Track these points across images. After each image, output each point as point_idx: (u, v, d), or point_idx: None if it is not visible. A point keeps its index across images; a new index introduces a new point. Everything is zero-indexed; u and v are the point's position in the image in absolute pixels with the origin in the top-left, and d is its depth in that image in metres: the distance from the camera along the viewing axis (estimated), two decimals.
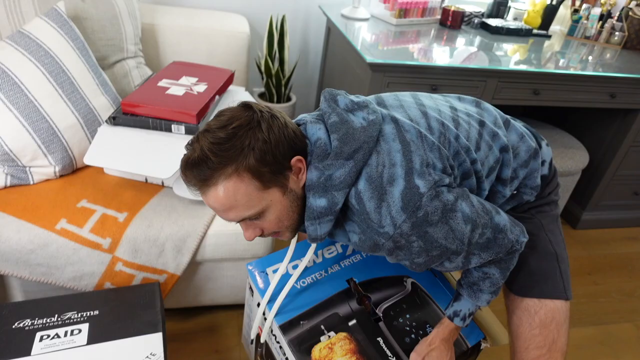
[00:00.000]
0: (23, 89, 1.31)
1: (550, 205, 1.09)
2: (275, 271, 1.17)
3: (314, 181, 0.80)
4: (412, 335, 1.06)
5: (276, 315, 1.06)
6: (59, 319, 1.07)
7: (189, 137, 1.35)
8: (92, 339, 1.02)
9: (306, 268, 1.18)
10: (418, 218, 0.79)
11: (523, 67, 1.76)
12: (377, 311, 1.10)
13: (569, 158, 2.00)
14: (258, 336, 1.20)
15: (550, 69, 1.79)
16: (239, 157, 0.74)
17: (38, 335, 1.02)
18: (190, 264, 1.36)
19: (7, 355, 0.96)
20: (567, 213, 2.36)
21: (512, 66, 1.75)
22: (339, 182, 0.79)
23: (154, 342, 1.02)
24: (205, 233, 1.34)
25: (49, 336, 1.02)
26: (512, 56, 1.87)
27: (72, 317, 1.08)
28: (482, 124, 0.96)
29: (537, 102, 1.87)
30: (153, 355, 0.98)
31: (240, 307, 1.60)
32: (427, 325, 1.09)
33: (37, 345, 0.99)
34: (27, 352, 0.97)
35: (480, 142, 0.94)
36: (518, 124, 1.05)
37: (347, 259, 1.22)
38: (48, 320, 1.06)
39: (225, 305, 1.56)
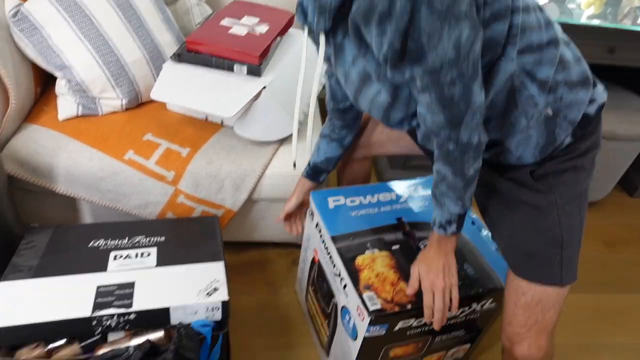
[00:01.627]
0: (94, 22, 1.34)
1: (577, 172, 0.91)
2: (336, 201, 1.24)
3: None
4: None
5: (329, 230, 1.15)
6: (130, 241, 1.16)
7: (251, 78, 1.37)
8: (161, 262, 1.10)
9: (361, 204, 1.25)
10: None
11: (597, 22, 1.66)
12: (419, 245, 1.15)
13: (637, 123, 1.90)
14: (313, 261, 1.28)
15: (627, 25, 1.68)
16: None
17: (112, 254, 1.11)
18: (246, 202, 1.41)
19: (86, 270, 1.05)
20: (625, 179, 2.28)
21: (584, 20, 1.65)
22: None
23: (216, 269, 1.09)
24: (263, 173, 1.38)
25: (121, 256, 1.11)
26: (585, 10, 1.75)
27: (141, 241, 1.16)
28: (540, 8, 0.82)
29: (610, 61, 1.77)
30: (217, 281, 1.05)
31: (289, 245, 1.66)
32: (465, 263, 1.12)
33: (112, 263, 1.08)
34: (104, 268, 1.06)
35: (530, 12, 0.79)
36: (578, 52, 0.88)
37: (400, 204, 1.27)
38: (119, 242, 1.15)
39: (276, 242, 1.63)
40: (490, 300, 1.12)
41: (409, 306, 1.01)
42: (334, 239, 1.12)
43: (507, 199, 0.97)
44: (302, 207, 1.33)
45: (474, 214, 1.27)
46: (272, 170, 1.39)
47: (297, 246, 1.64)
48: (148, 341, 0.89)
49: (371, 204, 1.25)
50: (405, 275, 1.06)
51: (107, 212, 1.39)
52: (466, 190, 0.88)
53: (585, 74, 0.86)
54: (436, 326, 0.98)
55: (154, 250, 1.13)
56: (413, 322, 1.06)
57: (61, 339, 0.97)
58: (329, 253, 1.15)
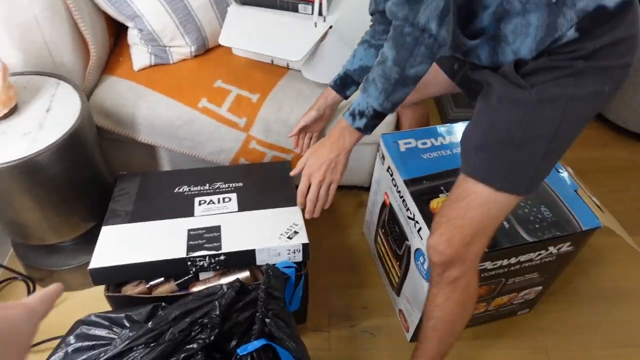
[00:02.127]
0: None
1: (576, 77, 0.74)
2: (407, 144, 1.23)
3: None
4: (526, 210, 1.10)
5: (402, 174, 1.15)
6: (211, 187, 1.22)
7: (316, 17, 1.33)
8: (242, 206, 1.15)
9: (433, 146, 1.23)
10: None
11: None
12: None
13: None
14: (383, 204, 1.30)
15: None
16: None
17: (196, 200, 1.17)
18: None
19: (176, 215, 1.13)
20: None
21: None
22: None
23: (294, 213, 1.13)
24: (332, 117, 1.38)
25: (205, 202, 1.17)
26: None
27: (221, 186, 1.22)
28: None
29: None
30: (296, 225, 1.10)
31: (355, 188, 1.69)
32: (542, 206, 1.10)
33: (197, 208, 1.15)
34: (191, 213, 1.14)
35: None
36: None
37: None
38: (202, 188, 1.22)
39: (344, 185, 1.66)
40: (567, 244, 1.10)
41: (485, 249, 1.02)
42: (407, 183, 1.13)
43: (485, 91, 0.86)
44: (319, 123, 1.27)
45: None
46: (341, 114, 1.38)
47: (363, 189, 1.66)
48: (238, 280, 0.96)
49: (443, 146, 1.23)
50: None
51: (183, 159, 1.46)
52: (396, 88, 0.84)
53: None
54: (307, 215, 1.02)
55: (234, 196, 1.19)
56: (488, 264, 1.07)
57: (159, 277, 1.07)
58: (401, 197, 1.16)
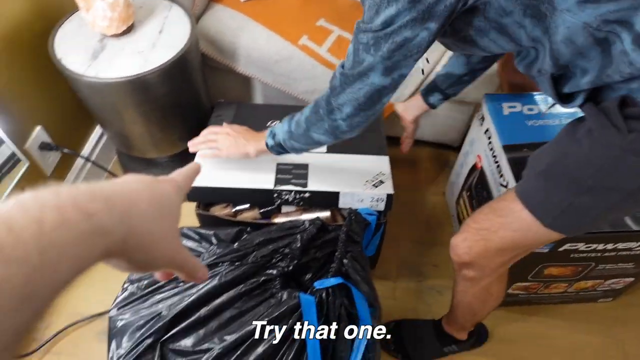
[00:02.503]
0: None
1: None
2: (511, 107, 1.16)
3: None
4: None
5: (501, 139, 1.09)
6: None
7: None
8: (330, 149, 1.16)
9: (540, 113, 1.15)
10: None
11: None
12: None
13: None
14: (474, 167, 1.26)
15: None
16: None
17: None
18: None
19: None
20: None
21: None
22: None
23: (382, 163, 1.12)
24: (433, 69, 1.32)
25: None
26: None
27: None
28: None
29: None
30: (383, 174, 1.09)
31: (441, 146, 1.64)
32: None
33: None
34: None
35: None
36: None
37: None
38: None
39: (428, 142, 1.61)
40: None
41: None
42: (506, 148, 1.07)
43: (575, 124, 0.74)
44: (406, 123, 1.24)
45: None
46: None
47: (450, 147, 1.61)
48: (318, 218, 0.98)
49: (551, 115, 1.15)
50: None
51: (276, 94, 1.48)
52: (298, 139, 0.88)
53: None
54: (189, 143, 1.06)
55: None
56: (581, 245, 1.01)
57: (246, 203, 1.12)
58: (497, 162, 1.11)
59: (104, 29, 1.10)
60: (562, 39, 0.62)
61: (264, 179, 1.07)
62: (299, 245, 0.91)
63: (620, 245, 1.02)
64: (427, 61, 1.30)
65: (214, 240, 0.97)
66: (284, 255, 0.91)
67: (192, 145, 1.07)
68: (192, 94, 1.24)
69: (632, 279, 1.18)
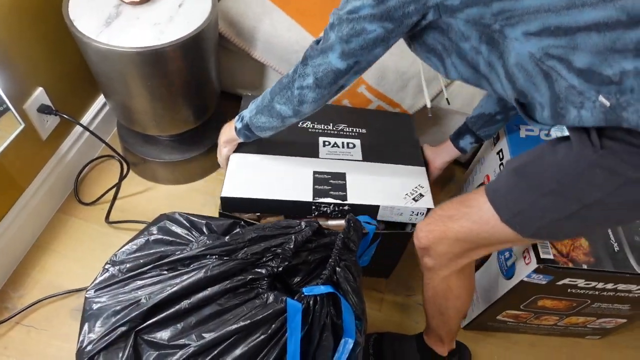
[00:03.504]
0: None
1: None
2: (529, 130, 1.13)
3: None
4: None
5: None
6: (334, 128, 1.20)
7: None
8: (366, 156, 1.12)
9: (557, 138, 1.11)
10: None
11: None
12: None
13: None
14: (482, 185, 1.22)
15: None
16: None
17: (320, 139, 1.15)
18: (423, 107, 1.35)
19: (302, 153, 1.11)
20: None
21: None
22: None
23: (420, 174, 1.09)
24: (451, 83, 1.28)
25: (329, 143, 1.15)
26: None
27: (345, 129, 1.18)
28: None
29: None
30: (422, 187, 1.06)
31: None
32: None
33: (322, 149, 1.13)
34: (316, 154, 1.12)
35: None
36: None
37: None
38: (325, 127, 1.19)
39: None
40: None
41: (585, 266, 0.93)
42: None
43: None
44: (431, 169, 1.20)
45: None
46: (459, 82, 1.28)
47: (457, 163, 1.57)
48: (317, 222, 0.94)
49: None
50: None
51: None
52: (262, 111, 0.94)
53: None
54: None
55: (357, 142, 1.16)
56: (581, 282, 0.98)
57: (282, 214, 1.09)
58: None
59: None
60: (514, 63, 0.67)
61: (301, 190, 1.03)
62: (292, 246, 0.87)
63: (621, 287, 0.99)
64: (448, 102, 1.26)
65: (205, 230, 0.94)
66: (275, 254, 0.87)
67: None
68: (203, 75, 1.19)
69: (624, 321, 1.15)
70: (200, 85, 1.20)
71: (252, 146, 1.11)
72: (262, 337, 0.77)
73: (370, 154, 1.12)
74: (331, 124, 1.20)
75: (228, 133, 1.07)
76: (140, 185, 1.44)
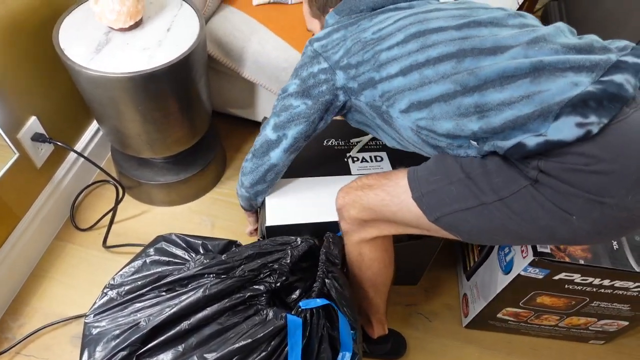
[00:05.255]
0: None
1: (542, 192, 0.70)
2: None
3: None
4: None
5: None
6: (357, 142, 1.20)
7: None
8: (394, 165, 1.14)
9: None
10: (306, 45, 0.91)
11: None
12: None
13: None
14: None
15: None
16: None
17: (348, 156, 1.16)
18: None
19: (334, 172, 1.11)
20: None
21: None
22: None
23: None
24: None
25: (358, 159, 1.15)
26: None
27: (369, 144, 1.18)
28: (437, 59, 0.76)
29: None
30: None
31: None
32: None
33: (352, 166, 1.13)
34: (349, 171, 1.12)
35: (412, 72, 0.77)
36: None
37: None
38: (349, 143, 1.19)
39: None
40: None
41: (582, 261, 0.95)
42: None
43: None
44: None
45: None
46: None
47: None
48: (312, 239, 0.95)
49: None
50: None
51: None
52: (241, 184, 1.04)
53: (527, 116, 0.67)
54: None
55: (384, 155, 1.16)
56: (577, 277, 0.99)
57: (320, 236, 1.04)
58: None
59: (111, 22, 1.08)
60: (406, 136, 0.84)
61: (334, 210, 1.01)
62: (288, 261, 0.88)
63: (618, 284, 0.99)
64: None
65: (201, 250, 0.94)
66: (272, 270, 0.88)
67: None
68: (194, 96, 1.21)
69: (626, 323, 1.15)
70: (191, 107, 1.22)
71: (285, 171, 1.09)
72: (264, 354, 0.78)
73: (400, 165, 1.13)
74: (352, 138, 1.21)
75: None
76: (137, 209, 1.44)
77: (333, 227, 1.01)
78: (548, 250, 0.96)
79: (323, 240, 1.04)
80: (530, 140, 0.66)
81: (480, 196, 0.74)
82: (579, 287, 1.02)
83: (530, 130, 0.67)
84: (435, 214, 0.78)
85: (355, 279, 1.02)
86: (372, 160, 1.14)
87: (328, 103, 0.87)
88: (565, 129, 0.64)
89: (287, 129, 0.90)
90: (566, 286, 1.02)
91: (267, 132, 0.92)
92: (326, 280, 0.89)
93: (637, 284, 0.99)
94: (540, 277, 1.00)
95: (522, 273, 1.00)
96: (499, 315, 1.19)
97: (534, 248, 0.97)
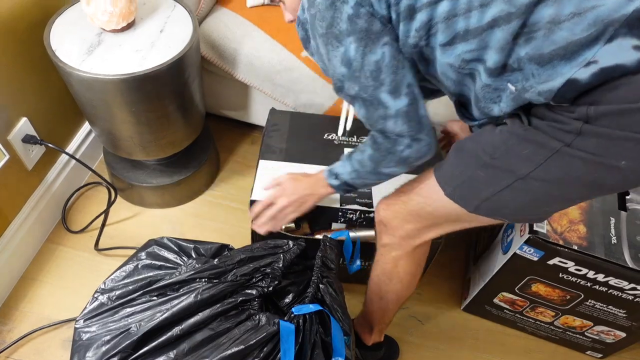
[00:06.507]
0: None
1: (585, 145, 0.62)
2: None
3: None
4: None
5: None
6: (358, 140, 1.23)
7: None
8: None
9: None
10: (311, 14, 0.73)
11: None
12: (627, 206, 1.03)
13: None
14: None
15: None
16: None
17: (346, 150, 1.18)
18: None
19: (328, 162, 1.05)
20: None
21: None
22: None
23: None
24: None
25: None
26: None
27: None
28: None
29: None
30: None
31: None
32: None
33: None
34: None
35: None
36: None
37: None
38: (350, 139, 1.23)
39: None
40: None
41: (575, 247, 0.96)
42: None
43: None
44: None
45: None
46: None
47: None
48: (304, 240, 0.95)
49: None
50: (590, 223, 1.00)
51: (273, 104, 1.45)
52: (367, 176, 0.89)
53: (580, 41, 0.58)
54: (253, 226, 1.04)
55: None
56: (571, 266, 1.00)
57: (309, 220, 1.10)
58: None
59: (104, 24, 1.07)
60: (441, 74, 0.74)
61: (329, 197, 1.02)
62: (281, 265, 0.87)
63: (612, 281, 1.00)
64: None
65: (193, 254, 0.94)
66: (265, 274, 0.87)
67: (258, 226, 1.04)
68: (187, 98, 1.20)
69: (623, 335, 1.15)
70: (185, 109, 1.21)
71: (281, 154, 1.16)
72: (257, 359, 0.77)
73: None
74: (355, 137, 1.24)
75: (312, 188, 0.98)
76: (129, 211, 1.43)
77: (323, 212, 1.04)
78: (544, 231, 0.98)
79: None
80: (582, 73, 0.57)
81: (511, 173, 0.70)
82: (574, 279, 1.03)
83: (577, 60, 0.58)
84: (473, 204, 0.75)
85: (378, 289, 0.99)
86: None
87: (387, 22, 0.71)
88: (621, 52, 0.55)
89: (400, 83, 0.74)
90: (560, 275, 1.03)
91: (398, 105, 0.75)
92: (320, 286, 0.88)
93: (632, 285, 0.99)
94: (535, 259, 1.02)
95: (518, 252, 1.02)
96: (495, 300, 1.21)
97: (530, 226, 0.99)
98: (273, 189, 1.01)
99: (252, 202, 1.05)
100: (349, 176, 0.91)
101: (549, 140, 0.65)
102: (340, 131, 1.24)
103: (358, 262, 1.13)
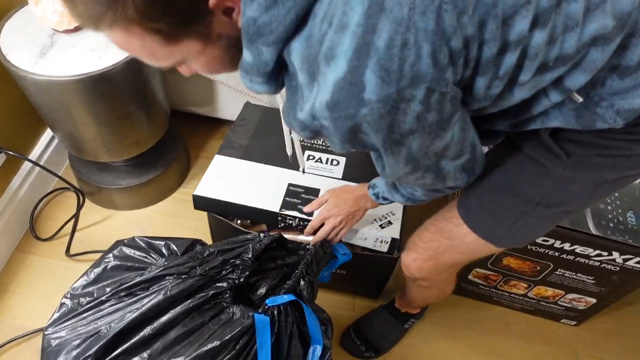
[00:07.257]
0: None
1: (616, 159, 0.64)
2: None
3: (243, 25, 0.52)
4: (609, 207, 1.02)
5: None
6: (324, 143, 1.20)
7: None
8: (346, 175, 1.12)
9: None
10: (345, 128, 0.53)
11: None
12: None
13: None
14: None
15: None
16: (114, 4, 0.47)
17: (307, 153, 1.16)
18: None
19: (285, 164, 1.12)
20: None
21: None
22: (268, 30, 0.51)
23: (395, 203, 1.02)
24: None
25: (314, 158, 1.15)
26: None
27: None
28: None
29: None
30: (393, 215, 1.05)
31: None
32: (630, 211, 1.02)
33: (306, 163, 1.13)
34: (298, 167, 1.11)
35: (547, 24, 0.51)
36: None
37: None
38: (316, 142, 1.20)
39: None
40: (638, 260, 1.01)
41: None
42: None
43: (513, 145, 0.74)
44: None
45: None
46: None
47: None
48: (282, 236, 0.94)
49: None
50: None
51: (240, 102, 1.43)
52: (410, 201, 0.84)
53: None
54: (312, 240, 1.01)
55: (343, 160, 1.16)
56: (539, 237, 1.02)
57: (250, 219, 1.11)
58: None
59: (55, 24, 1.04)
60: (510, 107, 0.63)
61: (271, 200, 1.04)
62: (250, 255, 0.87)
63: (578, 249, 1.02)
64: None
65: (164, 251, 0.92)
66: (234, 266, 0.86)
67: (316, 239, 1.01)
68: (149, 96, 1.18)
69: (594, 300, 1.18)
70: (147, 107, 1.19)
71: (238, 151, 1.14)
72: (232, 353, 0.77)
73: (351, 174, 1.12)
74: (322, 140, 1.20)
75: (357, 204, 0.96)
76: (99, 214, 1.41)
77: (261, 214, 1.04)
78: None
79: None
80: None
81: (566, 209, 0.72)
82: (542, 250, 1.05)
83: None
84: (524, 243, 0.80)
85: (429, 302, 1.16)
86: (327, 163, 1.14)
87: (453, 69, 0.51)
88: None
89: (464, 147, 0.63)
90: (529, 246, 1.06)
91: (448, 168, 0.64)
92: (301, 281, 0.87)
93: (597, 252, 1.02)
94: None
95: None
96: (470, 277, 1.23)
97: None
98: (318, 209, 1.02)
99: (194, 197, 1.04)
100: (390, 195, 0.87)
101: (597, 170, 0.66)
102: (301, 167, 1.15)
103: (326, 274, 1.10)
